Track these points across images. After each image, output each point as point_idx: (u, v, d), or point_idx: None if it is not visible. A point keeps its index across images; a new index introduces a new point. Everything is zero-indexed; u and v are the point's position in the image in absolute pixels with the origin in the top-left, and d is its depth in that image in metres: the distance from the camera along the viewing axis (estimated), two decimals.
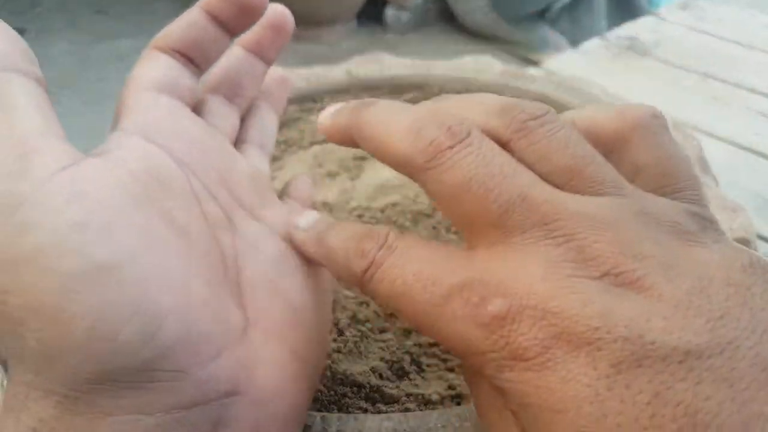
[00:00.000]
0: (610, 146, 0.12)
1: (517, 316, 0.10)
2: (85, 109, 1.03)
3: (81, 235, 0.10)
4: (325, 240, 0.13)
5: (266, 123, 0.18)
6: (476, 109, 0.12)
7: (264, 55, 0.17)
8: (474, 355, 0.10)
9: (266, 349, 0.12)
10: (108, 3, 1.43)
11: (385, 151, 0.12)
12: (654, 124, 0.12)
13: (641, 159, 0.12)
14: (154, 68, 0.14)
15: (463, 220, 0.11)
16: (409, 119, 0.12)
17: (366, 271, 0.12)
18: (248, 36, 0.17)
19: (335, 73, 0.31)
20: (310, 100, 0.30)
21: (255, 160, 0.17)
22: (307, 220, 0.14)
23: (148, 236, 0.11)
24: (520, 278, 0.10)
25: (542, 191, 0.11)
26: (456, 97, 0.13)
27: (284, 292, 0.14)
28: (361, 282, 0.12)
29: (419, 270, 0.11)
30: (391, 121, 0.12)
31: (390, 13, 1.44)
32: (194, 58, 0.15)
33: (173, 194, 0.12)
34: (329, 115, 0.14)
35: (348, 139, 0.14)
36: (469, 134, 0.11)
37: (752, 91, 0.42)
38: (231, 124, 0.17)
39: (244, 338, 0.12)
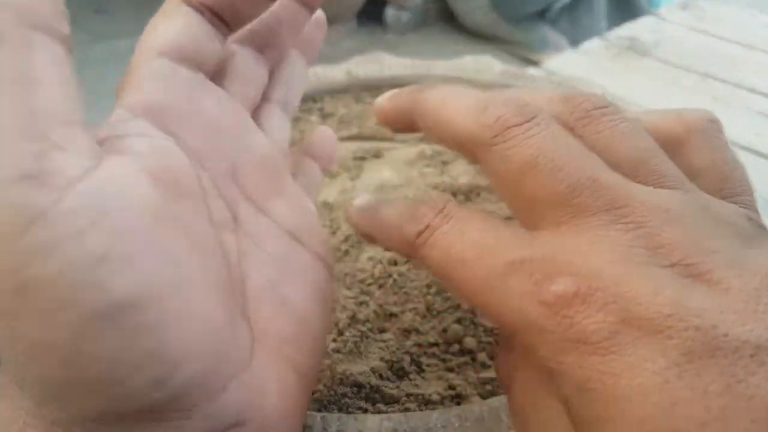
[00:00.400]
0: (667, 147, 0.12)
1: (586, 297, 0.09)
2: (85, 108, 1.03)
3: (101, 268, 0.09)
4: (379, 211, 0.13)
5: (294, 76, 0.16)
6: (539, 96, 0.12)
7: (309, 1, 0.15)
8: (530, 333, 0.10)
9: (272, 373, 0.12)
10: (107, 2, 1.43)
11: (447, 128, 0.12)
12: (711, 128, 0.12)
13: (698, 161, 0.12)
14: (176, 27, 0.13)
15: (525, 199, 0.11)
16: (474, 97, 0.12)
17: (420, 234, 0.11)
18: None
19: (335, 72, 0.31)
20: (310, 100, 0.30)
21: (275, 123, 0.16)
22: (363, 199, 0.14)
23: (169, 265, 0.10)
24: (589, 260, 0.10)
25: (611, 176, 0.10)
26: (515, 88, 0.13)
27: (289, 300, 0.13)
28: (412, 247, 0.12)
29: (478, 239, 0.11)
30: (456, 99, 0.12)
31: (390, 13, 1.44)
32: (225, 17, 0.13)
33: (185, 197, 0.11)
34: (386, 97, 0.14)
35: (405, 119, 0.13)
36: (536, 115, 0.11)
37: (752, 91, 0.42)
38: (256, 86, 0.15)
39: (251, 363, 0.11)
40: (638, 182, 0.11)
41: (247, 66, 0.15)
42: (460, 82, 0.30)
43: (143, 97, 0.12)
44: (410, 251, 0.12)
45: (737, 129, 0.38)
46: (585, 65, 0.46)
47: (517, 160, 0.11)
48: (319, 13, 0.17)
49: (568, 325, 0.09)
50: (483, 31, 1.37)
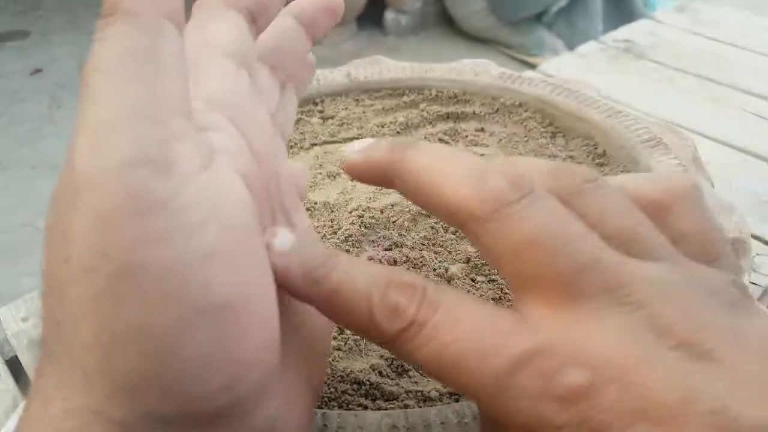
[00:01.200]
0: (651, 213, 0.12)
1: (599, 389, 0.09)
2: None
3: (210, 264, 0.09)
4: (330, 279, 0.11)
5: (289, 108, 0.16)
6: (530, 167, 0.12)
7: (314, 32, 0.16)
8: (545, 430, 0.09)
9: (293, 386, 0.11)
10: None
11: (434, 198, 0.11)
12: (695, 195, 0.13)
13: (681, 227, 0.12)
14: (235, 30, 0.12)
15: (522, 277, 0.10)
16: (467, 166, 0.11)
17: (403, 331, 0.10)
18: (303, 8, 0.15)
19: (336, 75, 0.31)
20: (311, 102, 0.30)
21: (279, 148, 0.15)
22: (284, 238, 0.11)
23: (260, 268, 0.10)
24: (596, 347, 0.09)
25: (612, 255, 0.10)
26: (502, 159, 0.13)
27: (307, 314, 0.13)
28: (393, 343, 0.10)
29: (475, 335, 0.10)
30: (445, 166, 0.11)
31: (389, 16, 1.45)
32: (258, 20, 0.13)
33: (258, 202, 0.11)
34: (359, 150, 0.13)
35: (380, 178, 0.12)
36: (533, 189, 0.11)
37: (748, 92, 0.43)
38: (274, 104, 0.15)
39: (281, 376, 0.11)
40: (630, 255, 0.10)
41: (268, 82, 0.15)
42: (458, 84, 0.30)
43: (213, 93, 0.11)
44: (389, 347, 0.11)
45: (732, 131, 0.38)
46: (581, 68, 0.46)
47: (516, 237, 0.10)
48: (311, 57, 0.17)
49: (583, 420, 0.09)
50: (481, 35, 1.38)
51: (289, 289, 0.11)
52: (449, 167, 0.11)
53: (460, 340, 0.10)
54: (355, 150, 0.13)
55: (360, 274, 0.11)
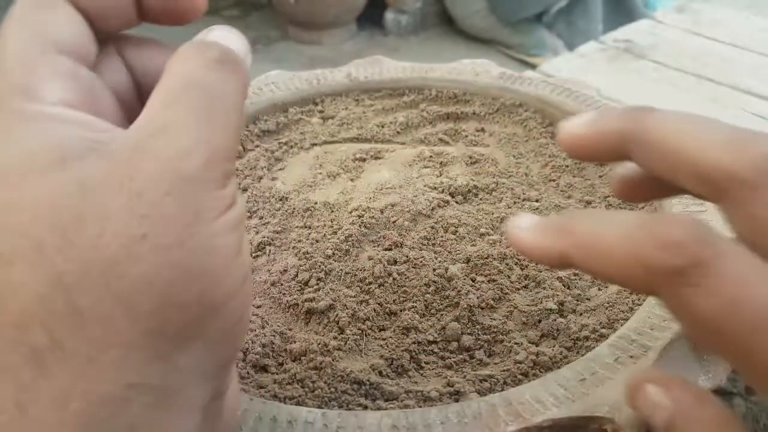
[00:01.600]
0: None
1: None
2: None
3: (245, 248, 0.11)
4: (580, 228, 0.10)
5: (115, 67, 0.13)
6: None
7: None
8: None
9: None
10: None
11: (683, 161, 0.10)
12: None
13: None
14: (70, 24, 0.11)
15: None
16: (720, 131, 0.10)
17: (682, 272, 0.09)
18: None
19: (336, 75, 0.31)
20: (311, 103, 0.30)
21: None
22: (529, 219, 0.11)
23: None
24: None
25: None
26: (752, 131, 0.12)
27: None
28: (666, 284, 0.09)
29: None
30: (695, 129, 0.10)
31: (390, 16, 1.45)
32: (96, 25, 0.12)
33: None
34: (582, 122, 0.12)
35: (611, 146, 0.12)
36: None
37: (748, 92, 0.43)
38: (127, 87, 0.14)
39: None
40: None
41: (115, 67, 0.13)
42: (459, 84, 0.30)
43: (62, 93, 0.10)
44: (656, 287, 0.09)
45: None
46: (581, 68, 0.46)
47: None
48: None
49: None
50: (481, 35, 1.38)
51: (536, 257, 0.11)
52: (700, 130, 0.11)
53: (760, 297, 0.08)
54: (578, 123, 0.12)
55: (614, 217, 0.10)
